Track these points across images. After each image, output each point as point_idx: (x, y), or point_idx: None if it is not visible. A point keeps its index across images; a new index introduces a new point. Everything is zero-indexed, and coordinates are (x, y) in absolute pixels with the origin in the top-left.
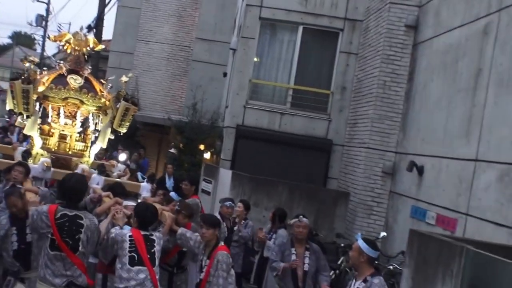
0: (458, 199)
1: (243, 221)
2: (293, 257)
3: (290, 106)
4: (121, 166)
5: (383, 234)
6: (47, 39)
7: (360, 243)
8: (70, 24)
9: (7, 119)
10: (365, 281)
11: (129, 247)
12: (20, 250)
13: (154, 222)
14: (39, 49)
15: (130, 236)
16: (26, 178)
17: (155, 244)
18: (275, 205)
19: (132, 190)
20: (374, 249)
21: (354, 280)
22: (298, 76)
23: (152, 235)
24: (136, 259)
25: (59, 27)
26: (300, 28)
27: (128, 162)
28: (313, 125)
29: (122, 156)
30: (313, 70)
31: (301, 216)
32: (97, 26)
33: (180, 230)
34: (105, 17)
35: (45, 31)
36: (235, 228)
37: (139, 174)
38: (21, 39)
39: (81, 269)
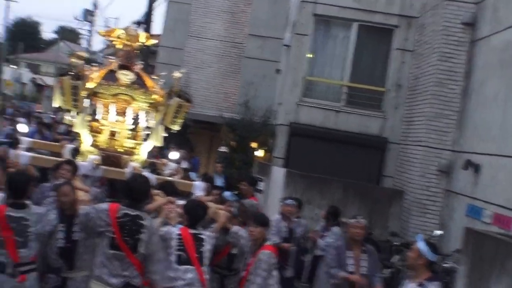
0: None
1: (295, 219)
2: (350, 260)
3: (344, 103)
4: (173, 165)
5: (439, 232)
6: (96, 33)
7: (421, 245)
8: (117, 19)
9: (52, 116)
10: (421, 285)
11: (177, 246)
12: (65, 248)
13: (204, 219)
14: (84, 44)
15: (178, 235)
16: (74, 176)
17: (204, 243)
18: (328, 203)
19: (185, 189)
20: (435, 252)
21: (407, 281)
22: (353, 73)
23: (201, 234)
24: (184, 258)
25: (106, 22)
26: (355, 25)
27: (180, 161)
28: (367, 122)
29: (174, 155)
30: (368, 67)
31: (358, 217)
32: (146, 21)
33: (234, 228)
34: (153, 12)
35: (91, 26)
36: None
37: (192, 174)
38: (66, 34)
39: (139, 270)
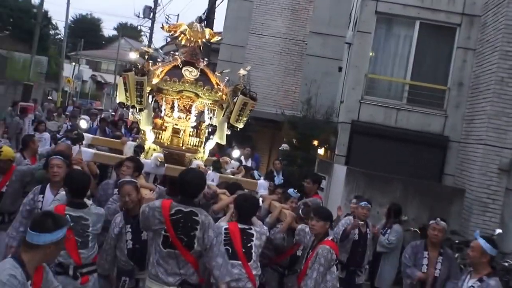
0: None
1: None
2: (425, 261)
3: (406, 101)
4: (235, 163)
5: (498, 231)
6: (160, 29)
7: (482, 242)
8: (178, 16)
9: (113, 113)
10: (480, 280)
11: (224, 240)
12: (134, 249)
13: (254, 214)
14: (145, 41)
15: (226, 229)
16: (138, 174)
17: (253, 239)
18: (388, 201)
19: (249, 188)
20: (495, 247)
21: (468, 277)
22: (415, 72)
23: (251, 229)
24: (230, 252)
25: (167, 19)
26: (417, 23)
27: (242, 159)
28: (429, 121)
29: (236, 153)
30: (430, 65)
31: (438, 219)
32: (207, 18)
33: (300, 226)
34: (215, 10)
35: (152, 23)
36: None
37: (255, 172)
38: (127, 31)
39: (195, 267)
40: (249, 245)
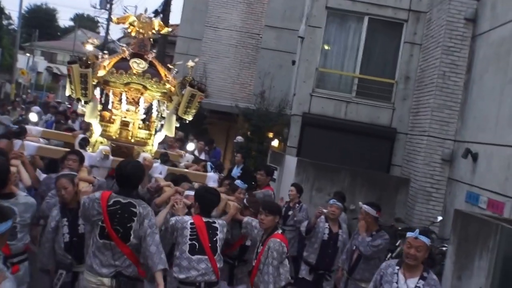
0: (506, 183)
1: (297, 205)
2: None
3: (355, 94)
4: (189, 157)
5: (439, 218)
6: (111, 22)
7: (426, 240)
8: (136, 7)
9: (68, 105)
10: (423, 278)
11: (190, 235)
12: (72, 242)
13: (216, 205)
14: (102, 33)
15: (191, 224)
16: (81, 167)
17: (218, 232)
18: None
19: (198, 181)
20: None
21: (399, 277)
22: (364, 65)
23: (214, 222)
24: (197, 247)
25: (125, 10)
26: (366, 19)
27: (197, 153)
28: (377, 113)
29: (190, 146)
30: (378, 59)
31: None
32: (164, 10)
33: (246, 218)
34: (172, 2)
35: (109, 14)
36: (290, 212)
37: (208, 164)
38: (83, 22)
39: (132, 259)
40: (214, 239)
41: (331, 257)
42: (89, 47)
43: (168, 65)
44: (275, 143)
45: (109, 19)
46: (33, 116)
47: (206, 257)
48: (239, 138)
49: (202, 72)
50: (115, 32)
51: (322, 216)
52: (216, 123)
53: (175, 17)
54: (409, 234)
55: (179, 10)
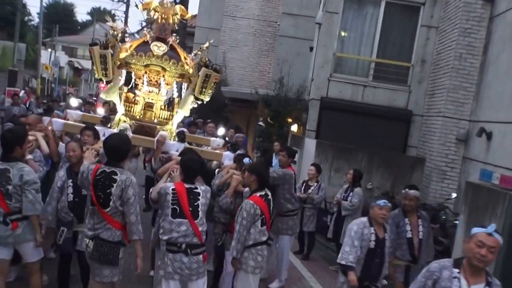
0: None
1: (315, 184)
2: (408, 227)
3: (372, 78)
4: (219, 141)
5: (454, 195)
6: (135, 14)
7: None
8: None
9: (94, 98)
10: (489, 284)
11: (172, 200)
12: (75, 202)
13: (199, 173)
14: (119, 26)
15: (173, 189)
16: (96, 141)
17: (200, 198)
18: None
19: (215, 159)
20: None
21: (466, 282)
22: (380, 50)
23: (196, 188)
24: (178, 211)
25: (141, 2)
26: (383, 3)
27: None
28: (394, 96)
29: (221, 130)
30: (395, 43)
31: (407, 189)
32: (182, 1)
33: (247, 189)
34: None
35: (127, 7)
36: (309, 191)
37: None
38: (101, 16)
39: (113, 224)
40: (195, 204)
41: (378, 267)
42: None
43: (196, 50)
44: (294, 127)
45: (127, 12)
46: (73, 102)
47: (186, 220)
48: (260, 123)
49: (221, 62)
50: (133, 25)
51: (366, 221)
52: (237, 111)
53: (193, 7)
54: (478, 230)
55: (197, 0)
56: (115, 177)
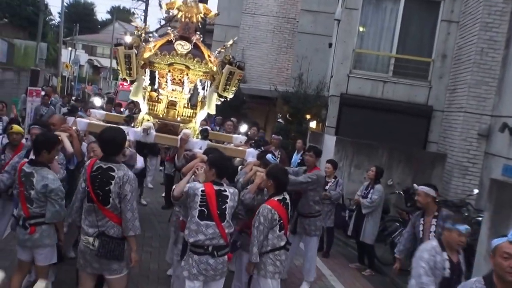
0: None
1: (333, 180)
2: (421, 227)
3: (392, 74)
4: (242, 138)
5: (475, 191)
6: (153, 12)
7: None
8: None
9: (113, 95)
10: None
11: (200, 201)
12: None
13: (229, 171)
14: (134, 22)
15: (202, 191)
16: None
17: (228, 200)
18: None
19: (238, 156)
20: None
21: None
22: (400, 45)
23: (225, 191)
24: (205, 213)
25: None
26: None
27: (249, 133)
28: (414, 92)
29: (243, 127)
30: (415, 39)
31: (415, 185)
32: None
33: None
34: None
35: (146, 6)
36: (327, 187)
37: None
38: (120, 14)
39: (114, 221)
40: (223, 206)
41: None
42: (128, 39)
43: (220, 48)
44: (313, 124)
45: (146, 11)
46: (97, 101)
47: (214, 223)
48: (279, 120)
49: (240, 59)
50: (152, 24)
51: (437, 246)
52: (255, 107)
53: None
54: (498, 241)
55: None
56: (112, 173)
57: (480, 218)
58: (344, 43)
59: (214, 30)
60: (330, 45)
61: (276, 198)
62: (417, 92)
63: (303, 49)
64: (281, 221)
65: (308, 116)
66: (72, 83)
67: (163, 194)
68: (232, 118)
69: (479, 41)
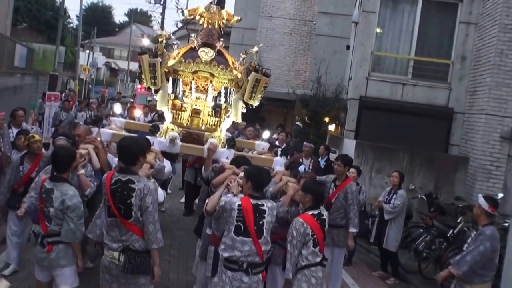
0: None
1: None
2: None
3: (411, 76)
4: (265, 144)
5: (500, 195)
6: (170, 14)
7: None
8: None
9: (131, 100)
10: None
11: (237, 216)
12: None
13: (266, 185)
14: (155, 26)
15: (239, 205)
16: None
17: (266, 215)
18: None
19: (265, 164)
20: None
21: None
22: (419, 47)
23: (263, 205)
24: (242, 229)
25: (177, 3)
26: (420, 1)
27: (272, 140)
28: (434, 94)
29: (266, 134)
30: (433, 41)
31: (480, 195)
32: (219, 2)
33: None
34: None
35: (164, 9)
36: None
37: (278, 150)
38: (137, 17)
39: (138, 234)
40: (261, 222)
41: None
42: (145, 41)
43: (242, 53)
44: (332, 127)
45: (163, 13)
46: (117, 108)
47: (250, 239)
48: (298, 123)
49: (258, 61)
50: (168, 26)
51: None
52: (273, 110)
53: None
54: None
55: (232, 1)
56: (132, 186)
57: (506, 224)
58: (362, 45)
59: (231, 33)
60: (348, 47)
61: (310, 213)
62: (437, 94)
63: (320, 51)
64: (315, 237)
65: (326, 119)
66: (90, 86)
67: (182, 200)
68: (257, 126)
69: (498, 42)
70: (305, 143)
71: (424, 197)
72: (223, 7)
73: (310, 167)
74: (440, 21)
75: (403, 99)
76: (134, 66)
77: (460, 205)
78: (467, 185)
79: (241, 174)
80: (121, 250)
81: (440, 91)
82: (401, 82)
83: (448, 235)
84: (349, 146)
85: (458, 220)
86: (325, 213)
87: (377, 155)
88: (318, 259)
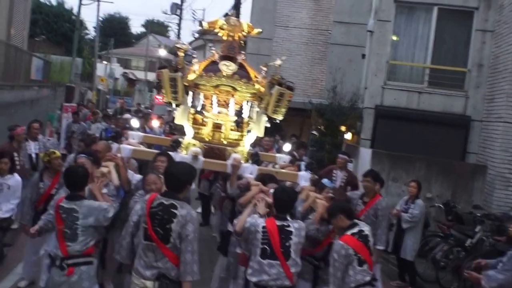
0: None
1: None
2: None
3: (427, 84)
4: (286, 157)
5: None
6: (186, 25)
7: None
8: (204, 10)
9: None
10: None
11: (262, 239)
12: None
13: (292, 207)
14: (172, 36)
15: (263, 227)
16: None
17: (292, 236)
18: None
19: (290, 179)
20: None
21: None
22: (435, 56)
23: (289, 226)
24: (268, 252)
25: (194, 14)
26: (435, 9)
27: (295, 153)
28: (450, 102)
29: (287, 147)
30: (449, 49)
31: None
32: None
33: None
34: (241, 4)
35: (180, 19)
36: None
37: (302, 164)
38: (154, 28)
39: (174, 262)
40: (287, 244)
41: None
42: (162, 52)
43: (261, 65)
44: (348, 136)
45: (180, 24)
46: (134, 123)
47: (278, 262)
48: (314, 132)
49: (274, 71)
50: (185, 36)
51: None
52: (289, 119)
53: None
54: None
55: (247, 11)
56: (174, 211)
57: None
58: (377, 55)
59: (247, 43)
60: (363, 56)
61: (350, 232)
62: (454, 102)
63: (336, 61)
64: (359, 255)
65: (343, 128)
66: (107, 96)
67: (199, 210)
68: (276, 136)
69: None
70: (339, 154)
71: (441, 205)
72: (238, 16)
73: (343, 181)
74: (456, 29)
75: (420, 108)
76: (151, 76)
77: (479, 214)
78: (485, 193)
79: (271, 191)
80: (156, 278)
81: (456, 99)
82: (417, 90)
83: (466, 244)
84: (365, 155)
85: (476, 229)
86: (365, 228)
87: (393, 163)
88: (368, 278)
